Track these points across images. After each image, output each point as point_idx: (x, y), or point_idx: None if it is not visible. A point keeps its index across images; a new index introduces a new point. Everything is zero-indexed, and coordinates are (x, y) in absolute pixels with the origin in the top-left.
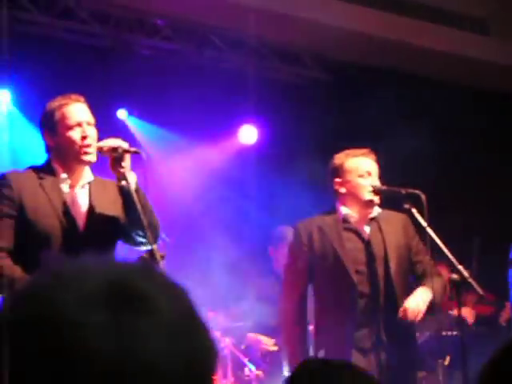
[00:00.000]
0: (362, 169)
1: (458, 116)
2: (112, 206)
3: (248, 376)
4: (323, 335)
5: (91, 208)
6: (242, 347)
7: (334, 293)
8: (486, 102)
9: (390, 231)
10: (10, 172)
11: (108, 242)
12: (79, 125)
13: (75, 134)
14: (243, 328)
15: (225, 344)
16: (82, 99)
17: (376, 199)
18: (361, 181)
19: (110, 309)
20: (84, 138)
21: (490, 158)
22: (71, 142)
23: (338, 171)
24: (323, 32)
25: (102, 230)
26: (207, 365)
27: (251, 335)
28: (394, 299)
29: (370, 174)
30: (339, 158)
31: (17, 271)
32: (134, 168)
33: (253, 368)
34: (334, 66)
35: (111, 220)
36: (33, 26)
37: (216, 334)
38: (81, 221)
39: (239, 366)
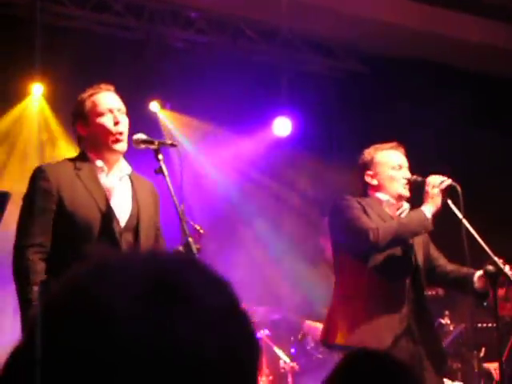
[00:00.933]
0: (393, 161)
1: (493, 108)
2: (152, 203)
3: (284, 368)
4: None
5: (135, 202)
6: (299, 337)
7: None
8: None
9: None
10: (45, 164)
11: (150, 236)
12: (110, 111)
13: (107, 120)
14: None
15: (260, 336)
16: (112, 88)
17: (407, 194)
18: (393, 173)
19: (152, 300)
20: (117, 123)
21: None
22: (103, 128)
23: (369, 164)
24: (357, 23)
25: (144, 225)
26: (250, 354)
27: (309, 323)
28: (421, 289)
29: (401, 166)
30: (369, 153)
31: (39, 267)
32: (169, 160)
33: (287, 360)
34: (369, 58)
35: (153, 216)
36: (67, 20)
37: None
38: (123, 213)
39: (275, 359)
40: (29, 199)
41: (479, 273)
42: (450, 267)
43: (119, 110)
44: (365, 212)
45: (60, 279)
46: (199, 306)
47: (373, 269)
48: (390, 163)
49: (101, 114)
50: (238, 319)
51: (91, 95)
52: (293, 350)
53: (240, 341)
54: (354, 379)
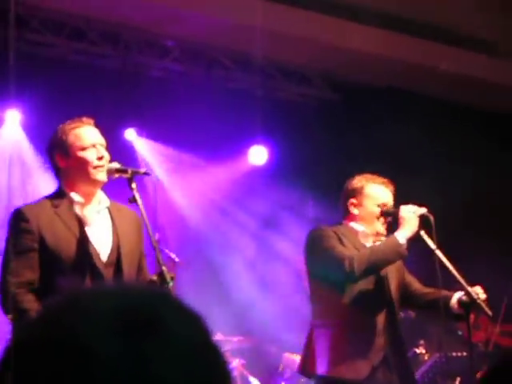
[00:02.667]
0: (381, 199)
1: (467, 137)
2: (134, 233)
3: None
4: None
5: (115, 235)
6: (280, 369)
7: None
8: (496, 124)
9: None
10: (23, 206)
11: (132, 268)
12: (93, 146)
13: (90, 155)
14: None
15: (235, 365)
16: (93, 122)
17: (385, 232)
18: (378, 210)
19: (125, 334)
20: (100, 158)
21: (499, 182)
22: (85, 162)
23: (356, 193)
24: (330, 53)
25: (126, 258)
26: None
27: (287, 355)
28: (396, 319)
29: (385, 205)
30: (360, 181)
31: (34, 306)
32: (143, 189)
33: None
34: (342, 86)
35: (135, 246)
36: (43, 47)
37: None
38: (104, 247)
39: None
40: (12, 240)
41: (457, 295)
42: (426, 290)
43: (102, 145)
44: (340, 241)
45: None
46: (172, 341)
47: (348, 301)
48: (377, 200)
49: (84, 149)
50: (210, 352)
51: (73, 128)
52: (281, 367)
53: (212, 373)
54: None
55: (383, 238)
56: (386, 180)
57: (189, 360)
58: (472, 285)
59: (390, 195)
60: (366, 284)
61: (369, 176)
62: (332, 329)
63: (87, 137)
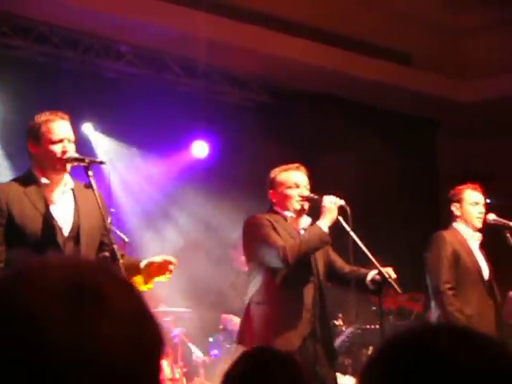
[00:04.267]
0: (290, 181)
1: (383, 135)
2: (94, 212)
3: (196, 362)
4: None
5: (77, 214)
6: (220, 327)
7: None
8: (408, 126)
9: None
10: None
11: (90, 244)
12: (61, 141)
13: (56, 149)
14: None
15: (176, 333)
16: (67, 117)
17: (299, 208)
18: (288, 191)
19: (70, 302)
20: (64, 153)
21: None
22: (52, 154)
23: (271, 184)
24: (266, 61)
25: (85, 234)
26: (155, 349)
27: (225, 316)
28: (323, 294)
29: (297, 185)
30: (273, 173)
31: None
32: (97, 177)
33: (200, 355)
34: (277, 91)
35: (96, 224)
36: (11, 50)
37: (168, 323)
38: (65, 224)
39: (189, 353)
40: None
41: (372, 273)
42: (347, 268)
43: (69, 141)
44: (274, 229)
45: None
46: (112, 308)
47: (280, 281)
48: (287, 183)
49: (52, 142)
50: (146, 319)
51: (48, 121)
52: (211, 339)
53: (147, 336)
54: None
55: (307, 219)
56: (296, 165)
57: (125, 327)
58: (384, 265)
59: (300, 176)
60: (296, 265)
61: (282, 166)
62: (266, 306)
63: (58, 132)
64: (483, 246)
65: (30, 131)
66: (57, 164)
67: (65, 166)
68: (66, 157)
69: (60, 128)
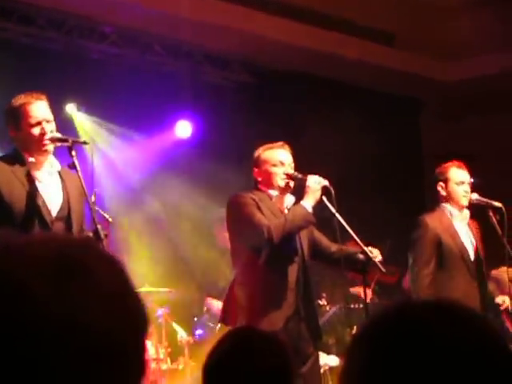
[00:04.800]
0: (274, 159)
1: (366, 116)
2: (78, 195)
3: (181, 342)
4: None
5: (66, 194)
6: (204, 309)
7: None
8: (392, 105)
9: None
10: None
11: (79, 225)
12: (39, 123)
13: (35, 131)
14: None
15: (160, 313)
16: (44, 97)
17: (283, 185)
18: (273, 169)
19: (55, 277)
20: (42, 135)
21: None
22: (32, 136)
23: (256, 162)
24: (247, 41)
25: (75, 214)
26: (140, 325)
27: (210, 299)
28: (308, 274)
29: (282, 163)
30: (257, 151)
31: None
32: (80, 156)
33: (184, 335)
34: (259, 71)
35: (80, 207)
36: None
37: (152, 304)
38: (54, 204)
39: (173, 333)
40: None
41: (357, 253)
42: (333, 248)
43: (48, 122)
44: (258, 208)
45: None
46: (96, 285)
47: (263, 259)
48: (271, 161)
49: (31, 126)
50: (129, 296)
51: (24, 104)
52: (196, 319)
53: (131, 312)
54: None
55: (291, 198)
56: (280, 143)
57: (109, 301)
58: (367, 245)
59: (284, 154)
60: (280, 244)
61: (266, 145)
62: (250, 286)
63: (35, 114)
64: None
65: (9, 115)
66: (38, 145)
67: (45, 146)
68: (48, 137)
69: (37, 110)
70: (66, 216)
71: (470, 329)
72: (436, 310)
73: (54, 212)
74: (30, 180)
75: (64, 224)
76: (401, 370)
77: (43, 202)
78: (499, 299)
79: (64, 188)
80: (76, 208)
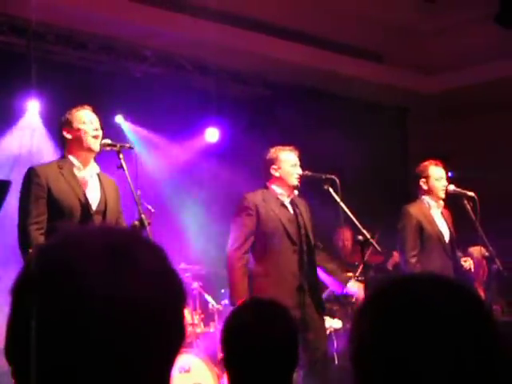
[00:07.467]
0: (292, 160)
1: (360, 123)
2: (114, 195)
3: (212, 310)
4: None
5: (103, 193)
6: (222, 290)
7: (278, 247)
8: (382, 114)
9: (303, 210)
10: (36, 165)
11: (113, 218)
12: (91, 122)
13: (88, 127)
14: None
15: (195, 286)
16: (91, 108)
17: (298, 185)
18: (291, 169)
19: (108, 262)
20: (96, 129)
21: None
22: (84, 131)
23: (274, 160)
24: (262, 61)
25: (110, 209)
26: (179, 300)
27: None
28: (312, 255)
29: (296, 165)
30: (274, 151)
31: (39, 240)
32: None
33: (214, 304)
34: (272, 84)
35: (115, 205)
36: (54, 55)
37: (188, 279)
38: (94, 200)
39: (205, 303)
40: (26, 190)
41: (351, 283)
42: (331, 266)
43: (96, 123)
44: (257, 211)
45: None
46: (141, 265)
47: (271, 245)
48: (290, 162)
49: (84, 123)
50: (171, 276)
51: (76, 110)
52: (223, 291)
53: (171, 289)
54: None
55: (295, 192)
56: (291, 147)
57: (152, 278)
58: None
59: (296, 157)
60: (274, 229)
61: (279, 147)
62: (258, 267)
63: (85, 116)
64: (450, 211)
65: (63, 121)
66: (90, 141)
67: (96, 139)
68: (101, 143)
69: (87, 114)
70: (103, 210)
71: (460, 295)
72: (430, 281)
73: (94, 206)
74: (76, 180)
75: (101, 217)
76: (403, 333)
77: (86, 197)
78: (463, 261)
79: (101, 187)
80: (112, 205)
